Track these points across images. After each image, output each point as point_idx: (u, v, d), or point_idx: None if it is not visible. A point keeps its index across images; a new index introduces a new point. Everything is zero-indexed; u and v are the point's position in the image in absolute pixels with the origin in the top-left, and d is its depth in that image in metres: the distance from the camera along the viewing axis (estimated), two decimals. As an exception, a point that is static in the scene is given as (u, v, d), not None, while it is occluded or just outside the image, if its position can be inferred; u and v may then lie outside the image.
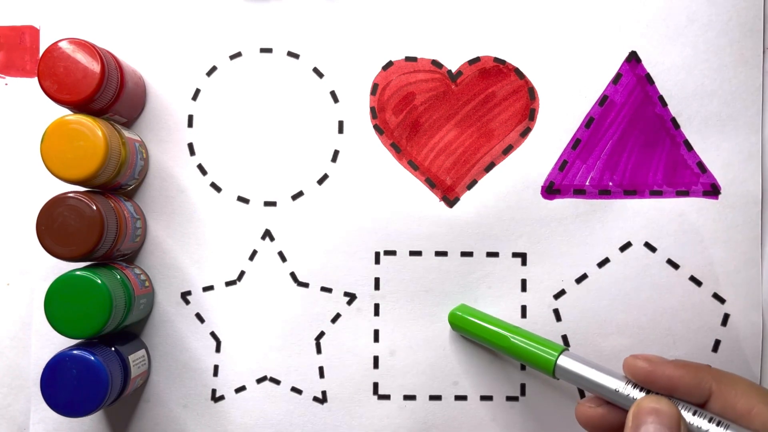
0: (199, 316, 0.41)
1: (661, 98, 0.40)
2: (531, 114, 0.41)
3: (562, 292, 0.40)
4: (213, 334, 0.41)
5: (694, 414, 0.30)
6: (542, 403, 0.40)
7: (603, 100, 0.41)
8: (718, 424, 0.29)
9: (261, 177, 0.41)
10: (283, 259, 0.41)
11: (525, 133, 0.41)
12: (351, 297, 0.41)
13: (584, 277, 0.40)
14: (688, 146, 0.40)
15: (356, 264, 0.41)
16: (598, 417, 0.33)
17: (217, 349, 0.41)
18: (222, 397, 0.41)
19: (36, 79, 0.36)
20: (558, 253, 0.40)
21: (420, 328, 0.41)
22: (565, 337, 0.40)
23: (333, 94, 0.41)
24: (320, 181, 0.41)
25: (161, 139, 0.41)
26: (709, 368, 0.32)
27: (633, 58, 0.40)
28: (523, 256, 0.40)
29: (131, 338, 0.40)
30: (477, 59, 0.41)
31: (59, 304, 0.35)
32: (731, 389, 0.31)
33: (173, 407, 0.41)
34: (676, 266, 0.40)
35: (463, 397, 0.41)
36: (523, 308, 0.40)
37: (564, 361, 0.34)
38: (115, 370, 0.36)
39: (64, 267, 0.39)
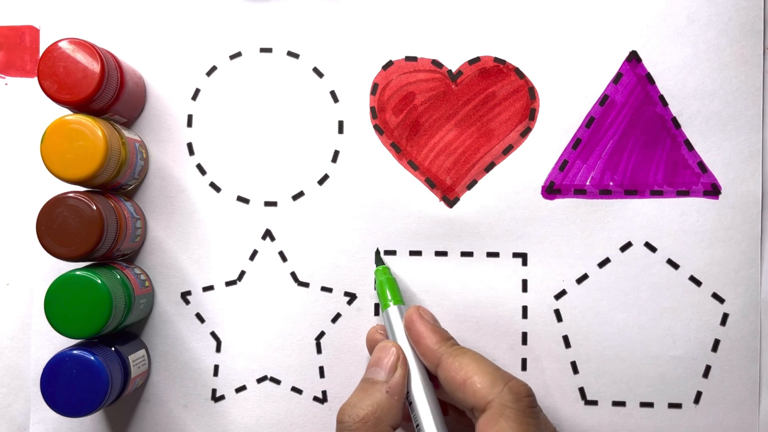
0: (199, 316, 0.41)
1: (661, 98, 0.40)
2: (531, 114, 0.41)
3: (562, 293, 0.40)
4: (213, 334, 0.41)
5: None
6: (541, 403, 0.40)
7: (603, 100, 0.41)
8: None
9: (261, 177, 0.41)
10: (284, 259, 0.41)
11: (525, 133, 0.41)
12: (351, 297, 0.41)
13: (585, 277, 0.40)
14: (689, 146, 0.40)
15: (356, 264, 0.41)
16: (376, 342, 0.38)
17: (218, 349, 0.41)
18: (222, 397, 0.41)
19: (36, 79, 0.36)
20: (558, 253, 0.40)
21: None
22: (566, 338, 0.40)
23: (333, 94, 0.41)
24: (320, 181, 0.41)
25: (161, 139, 0.41)
26: (451, 341, 0.35)
27: (633, 58, 0.40)
28: (523, 256, 0.40)
29: (131, 338, 0.40)
30: (477, 59, 0.41)
31: (59, 304, 0.35)
32: (456, 361, 0.34)
33: (173, 407, 0.41)
34: (676, 266, 0.40)
35: (464, 397, 0.41)
36: (524, 308, 0.40)
37: (391, 311, 0.38)
38: (115, 370, 0.36)
39: (64, 267, 0.39)
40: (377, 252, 0.41)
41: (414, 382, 0.35)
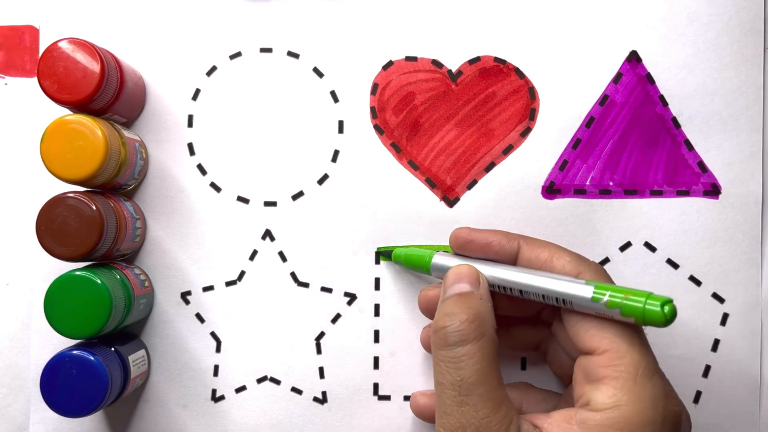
0: (199, 316, 0.41)
1: (661, 98, 0.40)
2: (531, 114, 0.41)
3: (562, 292, 0.40)
4: (213, 334, 0.41)
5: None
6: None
7: (603, 100, 0.41)
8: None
9: (261, 177, 0.41)
10: (284, 259, 0.41)
11: (525, 132, 0.41)
12: (351, 297, 0.41)
13: (584, 277, 0.40)
14: (689, 146, 0.40)
15: (356, 264, 0.41)
16: (431, 297, 0.38)
17: (218, 349, 0.41)
18: (222, 397, 0.41)
19: (36, 78, 0.36)
20: (558, 253, 0.40)
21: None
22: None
23: (333, 94, 0.41)
24: (320, 181, 0.41)
25: (161, 139, 0.41)
26: (519, 234, 0.36)
27: (633, 58, 0.40)
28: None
29: (131, 338, 0.40)
30: (477, 59, 0.41)
31: (59, 304, 0.35)
32: (536, 244, 0.35)
33: (173, 407, 0.41)
34: (676, 266, 0.40)
35: (464, 397, 0.40)
36: (524, 308, 0.40)
37: (437, 257, 0.37)
38: (115, 370, 0.36)
39: (64, 267, 0.39)
40: (377, 252, 0.41)
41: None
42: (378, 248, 0.41)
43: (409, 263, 0.38)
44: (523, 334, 0.38)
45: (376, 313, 0.41)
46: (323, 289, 0.41)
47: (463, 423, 0.30)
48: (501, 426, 0.29)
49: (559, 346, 0.36)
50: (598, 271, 0.33)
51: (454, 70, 0.41)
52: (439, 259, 0.37)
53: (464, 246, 0.36)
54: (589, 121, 0.41)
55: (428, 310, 0.38)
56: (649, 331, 0.40)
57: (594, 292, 0.31)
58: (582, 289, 0.31)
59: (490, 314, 0.33)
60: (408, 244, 0.40)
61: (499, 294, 0.34)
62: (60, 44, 0.36)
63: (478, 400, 0.30)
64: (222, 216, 0.41)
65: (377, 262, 0.41)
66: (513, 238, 0.35)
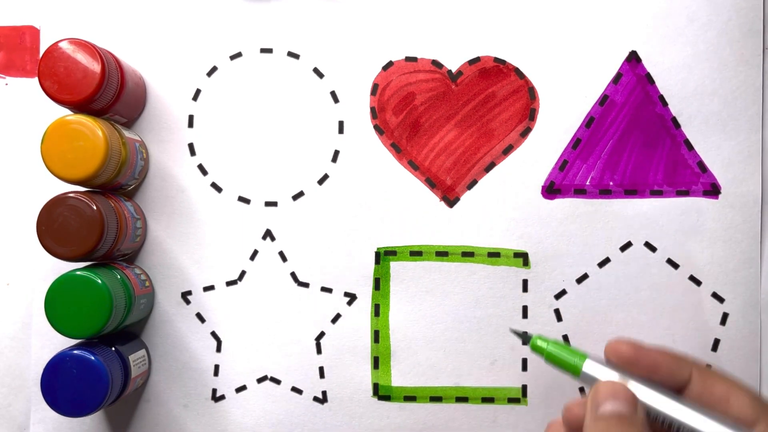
0: (199, 316, 0.41)
1: (661, 98, 0.40)
2: (531, 114, 0.41)
3: (562, 292, 0.40)
4: (213, 334, 0.41)
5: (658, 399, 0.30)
6: (543, 404, 0.40)
7: (603, 100, 0.41)
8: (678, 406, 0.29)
9: (261, 177, 0.41)
10: (284, 259, 0.41)
11: (525, 133, 0.41)
12: (351, 297, 0.41)
13: (585, 276, 0.40)
14: (689, 146, 0.40)
15: (356, 264, 0.41)
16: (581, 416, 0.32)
17: (218, 349, 0.41)
18: (222, 397, 0.41)
19: (36, 79, 0.36)
20: (558, 253, 0.40)
21: (420, 328, 0.41)
22: (565, 337, 0.40)
23: (333, 94, 0.41)
24: (320, 181, 0.41)
25: (161, 139, 0.41)
26: (691, 357, 0.32)
27: (633, 58, 0.40)
28: (524, 256, 0.41)
29: (131, 338, 0.40)
30: (477, 59, 0.41)
31: (59, 304, 0.35)
32: (710, 376, 0.31)
33: (173, 407, 0.41)
34: (675, 266, 0.40)
35: (464, 399, 0.41)
36: (524, 308, 0.40)
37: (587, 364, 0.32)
38: (116, 370, 0.36)
39: (64, 267, 0.39)
40: (377, 253, 0.41)
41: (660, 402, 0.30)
42: (514, 332, 0.36)
43: (552, 360, 0.33)
44: None
45: (376, 313, 0.41)
46: (323, 289, 0.41)
47: None
48: None
49: None
50: None
51: (454, 71, 0.41)
52: (593, 369, 0.32)
53: (627, 363, 0.31)
54: (589, 121, 0.41)
55: (574, 428, 0.33)
56: (649, 331, 0.40)
57: None
58: None
59: None
60: (556, 341, 0.33)
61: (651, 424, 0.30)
62: (61, 44, 0.36)
63: None
64: (222, 216, 0.41)
65: (377, 262, 0.41)
66: (685, 364, 0.31)
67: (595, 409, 0.29)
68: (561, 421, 0.33)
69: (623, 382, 0.30)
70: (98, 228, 0.35)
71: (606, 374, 0.31)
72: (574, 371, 0.32)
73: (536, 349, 0.33)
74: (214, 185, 0.41)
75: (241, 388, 0.41)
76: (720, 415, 0.29)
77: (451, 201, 0.41)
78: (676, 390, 0.31)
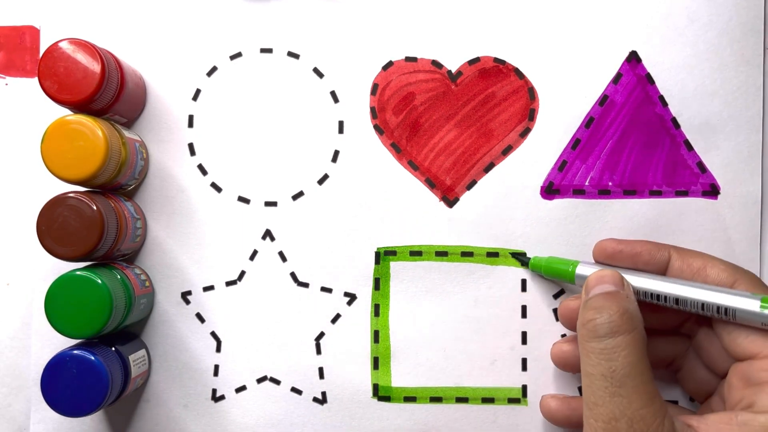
0: (199, 316, 0.41)
1: (661, 98, 0.40)
2: (531, 114, 0.41)
3: (561, 292, 0.40)
4: (213, 334, 0.41)
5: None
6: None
7: (603, 100, 0.41)
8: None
9: (261, 177, 0.41)
10: (284, 259, 0.41)
11: (524, 133, 0.41)
12: (351, 297, 0.41)
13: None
14: (688, 146, 0.40)
15: (356, 264, 0.41)
16: (570, 351, 0.38)
17: (218, 349, 0.41)
18: (222, 397, 0.41)
19: (36, 79, 0.36)
20: (557, 253, 0.40)
21: (420, 328, 0.41)
22: (564, 336, 0.40)
23: (333, 94, 0.41)
24: (320, 181, 0.41)
25: (161, 139, 0.41)
26: (669, 244, 0.36)
27: (633, 58, 0.40)
28: (523, 256, 0.41)
29: (131, 338, 0.40)
30: (477, 59, 0.41)
31: (59, 304, 0.35)
32: (687, 253, 0.35)
33: (173, 407, 0.41)
34: (676, 266, 0.40)
35: (464, 399, 0.41)
36: (524, 308, 0.40)
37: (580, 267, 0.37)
38: (116, 370, 0.36)
39: (64, 267, 0.39)
40: (377, 253, 0.41)
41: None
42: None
43: (549, 272, 0.39)
44: (660, 350, 0.37)
45: (376, 313, 0.41)
46: (323, 289, 0.41)
47: (616, 414, 0.30)
48: (655, 419, 0.29)
49: (701, 360, 0.36)
50: (753, 279, 0.33)
51: (453, 71, 0.41)
52: (585, 269, 0.37)
53: (612, 257, 0.36)
54: (589, 122, 0.41)
55: (570, 319, 0.37)
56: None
57: (761, 307, 0.31)
58: (747, 302, 0.32)
59: (639, 312, 0.32)
60: (551, 257, 0.39)
61: (641, 304, 0.34)
62: (60, 44, 0.36)
63: (631, 391, 0.30)
64: (222, 216, 0.41)
65: (377, 262, 0.41)
66: (663, 247, 0.35)
67: (587, 295, 0.33)
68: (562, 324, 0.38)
69: (612, 271, 0.34)
70: (98, 228, 0.35)
71: (595, 270, 0.35)
72: (569, 277, 0.37)
73: (535, 266, 0.40)
74: (213, 185, 0.41)
75: (241, 389, 0.41)
76: (699, 283, 0.33)
77: (450, 201, 0.41)
78: (660, 273, 0.35)
